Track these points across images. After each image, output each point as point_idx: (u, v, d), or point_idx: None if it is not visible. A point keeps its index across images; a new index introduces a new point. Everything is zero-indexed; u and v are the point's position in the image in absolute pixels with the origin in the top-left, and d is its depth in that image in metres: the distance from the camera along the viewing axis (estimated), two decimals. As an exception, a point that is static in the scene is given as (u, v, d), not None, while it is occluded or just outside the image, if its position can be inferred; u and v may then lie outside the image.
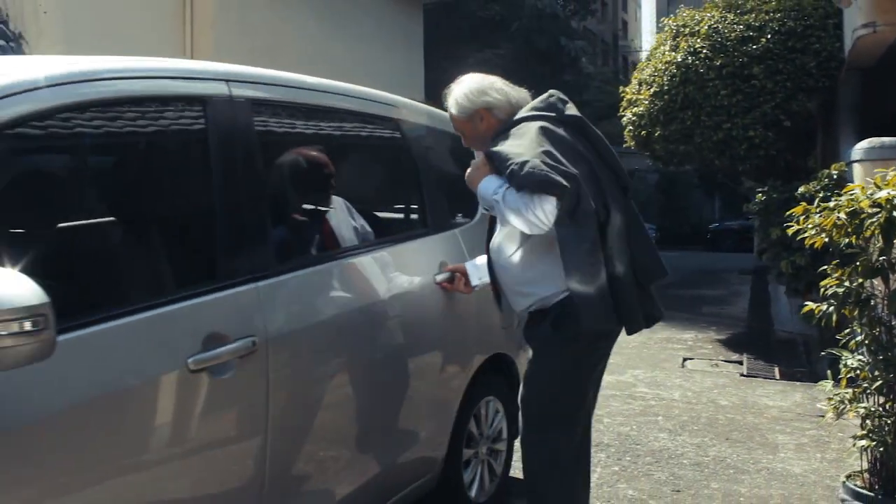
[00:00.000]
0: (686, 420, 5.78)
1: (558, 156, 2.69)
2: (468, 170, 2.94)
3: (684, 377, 7.22)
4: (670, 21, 9.61)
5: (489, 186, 2.80)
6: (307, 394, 2.55)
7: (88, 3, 11.05)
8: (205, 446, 2.16)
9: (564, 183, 2.62)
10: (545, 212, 2.62)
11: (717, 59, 8.67)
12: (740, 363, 7.80)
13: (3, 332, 1.43)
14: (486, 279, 3.14)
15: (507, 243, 2.94)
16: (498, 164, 2.75)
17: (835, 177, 6.97)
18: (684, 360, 7.99)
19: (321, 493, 2.68)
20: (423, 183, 3.45)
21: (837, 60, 8.76)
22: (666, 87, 9.01)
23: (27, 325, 1.46)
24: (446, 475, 3.48)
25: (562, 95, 2.99)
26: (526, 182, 2.62)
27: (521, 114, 2.92)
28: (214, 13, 12.85)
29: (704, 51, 8.76)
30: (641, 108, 9.39)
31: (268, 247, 2.42)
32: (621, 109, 10.08)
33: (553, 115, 2.89)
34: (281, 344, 2.36)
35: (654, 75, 9.26)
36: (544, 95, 2.99)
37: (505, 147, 2.76)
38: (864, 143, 6.12)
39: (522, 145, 2.73)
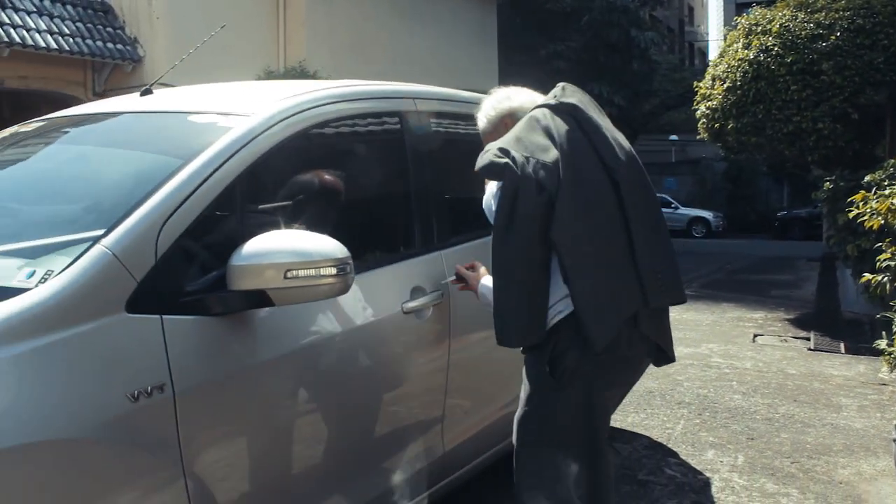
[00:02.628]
0: (758, 385, 6.44)
1: (528, 143, 2.50)
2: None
3: (755, 350, 7.86)
4: (743, 20, 10.17)
5: (490, 191, 2.69)
6: (471, 342, 3.30)
7: (195, 8, 12.02)
8: (413, 375, 2.98)
9: (503, 161, 2.45)
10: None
11: (788, 56, 9.22)
12: (808, 339, 8.38)
13: (325, 274, 2.24)
14: None
15: None
16: None
17: (900, 166, 7.50)
18: (755, 335, 8.61)
19: (476, 422, 3.44)
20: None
21: (905, 56, 9.23)
22: (738, 83, 9.61)
23: (337, 270, 2.26)
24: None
25: (569, 84, 2.74)
26: (479, 169, 2.56)
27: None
28: (305, 14, 13.76)
29: (776, 48, 9.32)
30: (715, 102, 9.99)
31: (446, 224, 3.21)
32: (695, 103, 10.69)
33: (551, 103, 2.65)
34: (459, 297, 3.14)
35: (728, 71, 9.85)
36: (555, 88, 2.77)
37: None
38: (927, 136, 6.70)
39: (503, 139, 2.59)
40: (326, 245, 2.26)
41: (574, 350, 2.45)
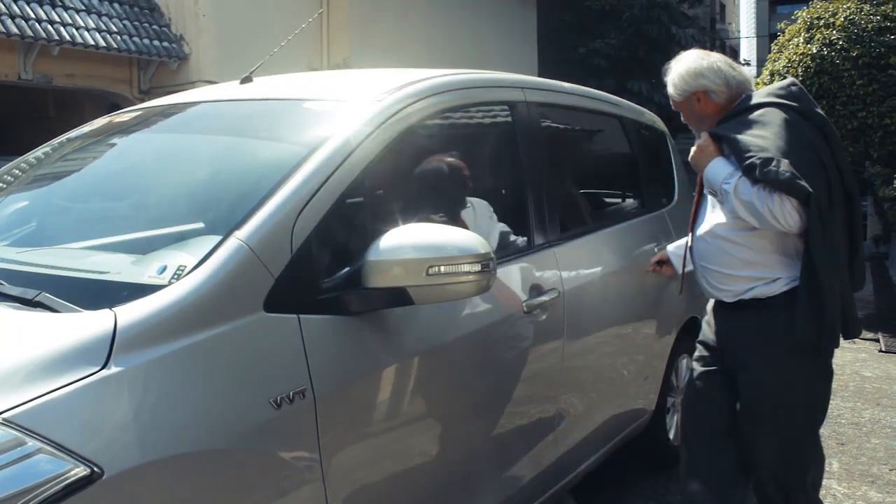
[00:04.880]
0: (835, 388, 6.17)
1: (802, 156, 2.60)
2: (693, 149, 2.85)
3: (825, 352, 7.61)
4: (803, 13, 9.92)
5: (719, 172, 2.70)
6: (582, 340, 3.15)
7: (241, 6, 11.94)
8: (534, 375, 2.83)
9: (809, 189, 2.53)
10: (784, 211, 2.56)
11: (854, 50, 8.96)
12: (877, 340, 8.13)
13: (469, 270, 2.08)
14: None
15: (729, 225, 2.80)
16: (734, 151, 2.67)
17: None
18: (821, 337, 8.36)
19: (588, 424, 3.30)
20: (640, 169, 4.04)
21: (979, 47, 8.91)
22: (800, 78, 9.35)
23: (481, 267, 2.10)
24: (653, 421, 4.07)
25: (798, 83, 2.85)
26: (769, 179, 2.54)
27: (759, 98, 2.80)
28: (348, 12, 13.65)
29: (840, 42, 9.06)
30: (774, 98, 9.72)
31: (557, 219, 3.05)
32: (752, 99, 10.43)
33: (796, 105, 2.73)
34: (571, 295, 2.99)
35: (788, 66, 9.60)
36: (785, 82, 2.86)
37: (746, 136, 2.66)
38: None
39: (766, 137, 2.62)
40: (469, 239, 2.10)
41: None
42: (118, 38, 11.02)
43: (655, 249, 3.85)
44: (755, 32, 50.69)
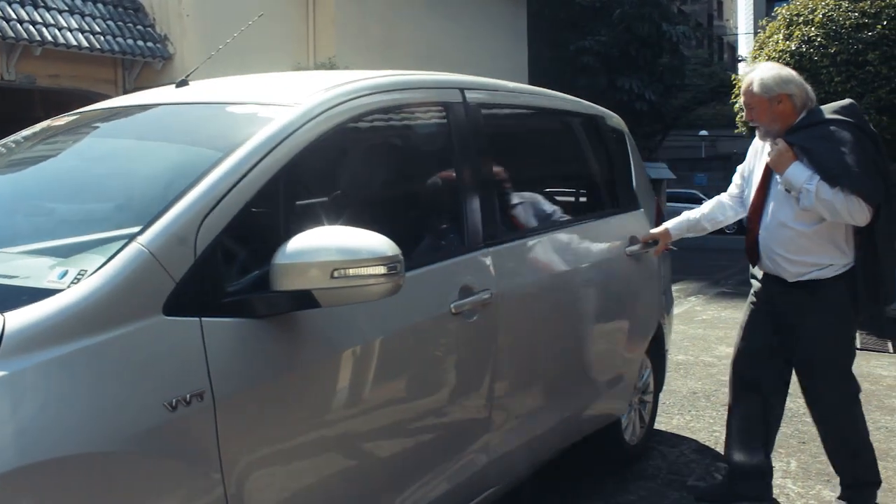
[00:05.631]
0: (806, 386, 6.22)
1: (869, 167, 3.27)
2: (771, 153, 3.45)
3: (800, 350, 7.61)
4: (783, 10, 9.91)
5: (799, 175, 3.35)
6: (523, 341, 3.16)
7: (225, 6, 11.92)
8: (461, 378, 2.82)
9: (883, 195, 3.28)
10: (861, 209, 3.27)
11: (832, 47, 8.96)
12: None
13: (374, 273, 2.09)
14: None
15: (792, 217, 3.47)
16: (815, 161, 3.31)
17: (949, 159, 7.24)
18: (798, 334, 8.36)
19: (527, 427, 3.27)
20: (592, 169, 4.05)
21: (955, 44, 8.90)
22: (779, 75, 9.34)
23: (387, 269, 2.11)
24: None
25: (857, 105, 3.50)
26: (850, 187, 3.23)
27: (827, 114, 3.41)
28: (334, 10, 13.64)
29: (819, 39, 9.06)
30: (754, 95, 9.73)
31: (496, 219, 3.06)
32: (733, 96, 10.45)
33: (855, 122, 3.37)
34: (508, 297, 2.99)
35: (768, 63, 9.60)
36: (845, 102, 3.49)
37: (827, 151, 3.31)
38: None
39: (842, 152, 3.28)
40: (375, 242, 2.11)
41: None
42: (102, 38, 11.03)
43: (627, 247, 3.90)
44: (753, 28, 50.54)
